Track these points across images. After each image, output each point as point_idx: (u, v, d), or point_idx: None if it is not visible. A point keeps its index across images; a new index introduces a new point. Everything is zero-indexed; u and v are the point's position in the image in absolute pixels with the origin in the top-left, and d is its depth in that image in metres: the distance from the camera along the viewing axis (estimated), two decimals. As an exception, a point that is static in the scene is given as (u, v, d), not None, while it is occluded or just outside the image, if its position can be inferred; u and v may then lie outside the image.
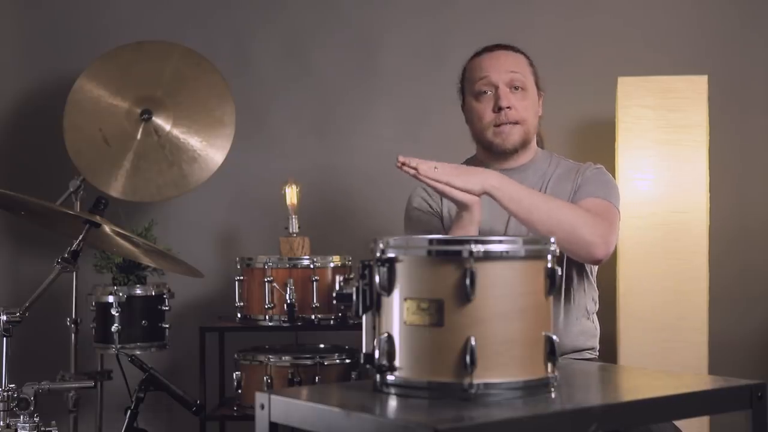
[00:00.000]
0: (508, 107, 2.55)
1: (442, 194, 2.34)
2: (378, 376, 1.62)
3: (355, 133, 3.81)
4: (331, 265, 3.24)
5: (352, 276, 3.25)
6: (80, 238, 2.76)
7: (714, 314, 3.27)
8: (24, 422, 2.58)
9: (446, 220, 2.63)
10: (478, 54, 2.67)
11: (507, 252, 1.58)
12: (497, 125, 2.57)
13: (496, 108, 2.56)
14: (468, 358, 1.53)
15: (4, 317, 2.63)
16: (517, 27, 3.68)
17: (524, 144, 2.60)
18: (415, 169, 2.28)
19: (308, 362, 3.11)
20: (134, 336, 3.24)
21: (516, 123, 2.56)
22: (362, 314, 1.66)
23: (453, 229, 2.41)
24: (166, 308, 3.30)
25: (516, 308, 1.58)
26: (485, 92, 2.58)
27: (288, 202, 3.38)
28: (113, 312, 3.20)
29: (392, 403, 1.57)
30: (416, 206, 2.70)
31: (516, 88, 2.57)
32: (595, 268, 2.65)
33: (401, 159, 2.28)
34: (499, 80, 2.57)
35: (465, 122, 2.69)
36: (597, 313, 2.67)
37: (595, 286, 2.66)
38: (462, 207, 2.35)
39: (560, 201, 2.45)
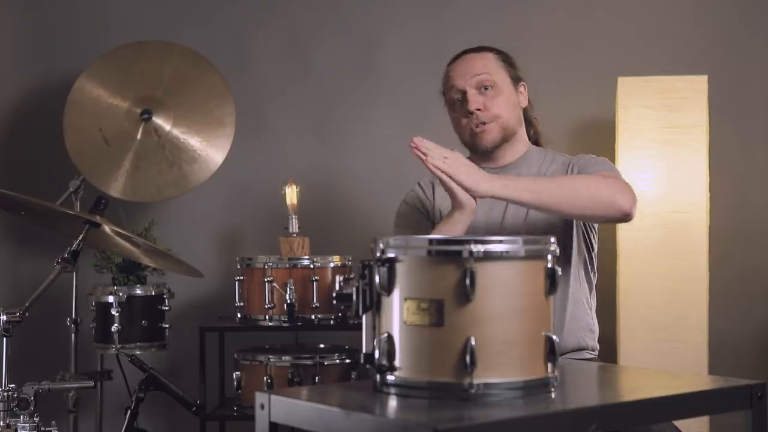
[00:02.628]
0: (477, 109, 2.58)
1: (445, 186, 2.33)
2: (378, 376, 1.62)
3: (355, 133, 3.81)
4: (331, 265, 3.24)
5: (352, 276, 3.25)
6: (80, 238, 2.76)
7: (714, 314, 3.27)
8: (24, 422, 2.57)
9: (437, 223, 2.63)
10: (450, 63, 2.70)
11: (507, 252, 1.58)
12: (473, 128, 2.60)
13: (466, 114, 2.59)
14: (468, 358, 1.53)
15: (4, 317, 2.63)
16: (517, 27, 3.68)
17: (505, 139, 2.62)
18: (425, 155, 2.29)
19: (308, 362, 3.11)
20: (134, 336, 3.24)
21: (490, 121, 2.58)
22: (362, 314, 1.66)
23: (440, 225, 2.41)
24: (166, 308, 3.30)
25: (516, 308, 1.58)
26: (457, 99, 2.62)
27: (288, 202, 3.38)
28: (113, 312, 3.20)
29: (392, 403, 1.57)
30: (409, 202, 2.73)
31: (485, 88, 2.59)
32: (595, 264, 2.65)
33: (415, 141, 2.28)
34: (466, 85, 2.60)
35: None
36: (597, 314, 2.68)
37: (594, 284, 2.66)
38: (457, 205, 2.35)
39: (569, 176, 2.50)
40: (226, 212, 3.84)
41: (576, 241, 2.59)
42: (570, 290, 2.58)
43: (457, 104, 2.63)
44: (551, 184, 2.38)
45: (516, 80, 2.66)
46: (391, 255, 1.61)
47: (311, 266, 3.20)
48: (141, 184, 3.39)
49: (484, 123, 2.58)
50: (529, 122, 2.73)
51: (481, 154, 2.63)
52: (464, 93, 2.60)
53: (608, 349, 3.12)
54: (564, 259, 2.55)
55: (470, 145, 2.64)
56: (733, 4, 3.69)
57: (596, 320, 2.66)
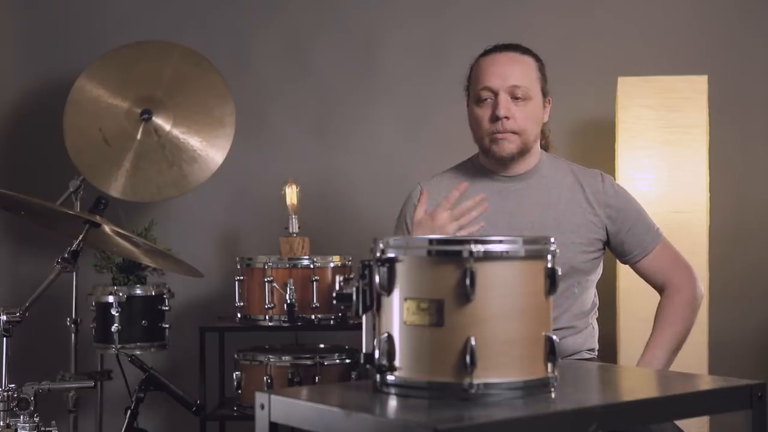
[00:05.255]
0: (506, 117, 2.50)
1: None
2: (378, 376, 1.62)
3: (355, 133, 3.81)
4: (331, 265, 3.24)
5: (352, 276, 3.25)
6: (80, 238, 2.76)
7: (714, 314, 3.27)
8: (24, 422, 2.57)
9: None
10: (485, 54, 2.60)
11: (507, 252, 1.58)
12: (494, 133, 2.52)
13: (493, 117, 2.51)
14: (468, 358, 1.53)
15: (4, 317, 2.63)
16: (517, 27, 3.68)
17: (522, 153, 2.55)
18: None
19: (308, 362, 3.11)
20: (134, 336, 3.24)
21: (513, 132, 2.51)
22: (362, 314, 1.66)
23: None
24: (166, 308, 3.30)
25: (516, 308, 1.58)
26: (485, 99, 2.53)
27: (288, 202, 3.38)
28: (113, 312, 3.20)
29: (392, 403, 1.57)
30: (409, 213, 2.65)
31: (518, 98, 2.52)
32: (599, 274, 2.65)
33: None
34: (501, 88, 2.51)
35: (468, 122, 2.66)
36: (596, 314, 2.67)
37: (595, 289, 2.66)
38: None
39: (671, 326, 2.53)
40: (226, 212, 3.84)
41: (600, 264, 2.63)
42: (585, 300, 2.59)
43: (484, 103, 2.53)
44: (678, 343, 2.52)
45: (545, 94, 2.60)
46: (391, 255, 1.61)
47: (311, 266, 3.20)
48: (141, 184, 3.39)
49: (506, 132, 2.51)
50: (542, 132, 2.69)
51: (493, 159, 2.57)
52: (496, 95, 2.51)
53: (608, 349, 3.12)
54: (588, 284, 2.59)
55: (485, 148, 2.56)
56: (733, 4, 3.69)
57: (596, 324, 2.66)
